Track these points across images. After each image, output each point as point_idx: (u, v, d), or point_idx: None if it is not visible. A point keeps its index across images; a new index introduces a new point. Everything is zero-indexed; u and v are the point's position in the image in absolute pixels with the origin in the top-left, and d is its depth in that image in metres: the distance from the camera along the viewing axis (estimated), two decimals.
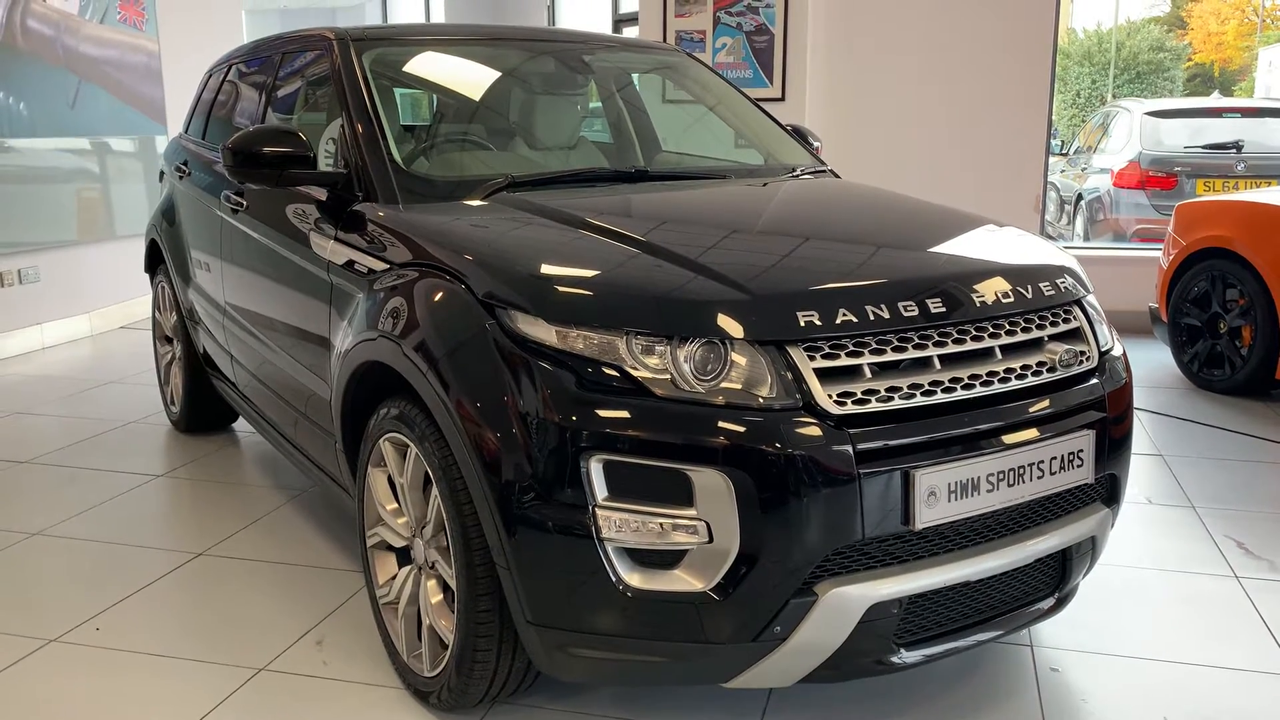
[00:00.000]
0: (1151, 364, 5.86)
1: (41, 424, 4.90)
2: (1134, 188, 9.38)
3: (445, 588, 2.40)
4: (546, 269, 2.29)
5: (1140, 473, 4.12)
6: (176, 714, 2.48)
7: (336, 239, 2.84)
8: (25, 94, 6.38)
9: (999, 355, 2.23)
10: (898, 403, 2.08)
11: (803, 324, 2.06)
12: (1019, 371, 2.25)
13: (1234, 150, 9.17)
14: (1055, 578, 2.39)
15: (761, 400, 2.02)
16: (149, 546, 3.46)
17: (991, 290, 2.28)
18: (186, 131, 4.63)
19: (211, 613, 3.03)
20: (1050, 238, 9.38)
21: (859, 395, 2.05)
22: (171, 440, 4.61)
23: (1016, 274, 2.37)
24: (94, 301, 6.95)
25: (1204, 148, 9.34)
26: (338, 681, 2.62)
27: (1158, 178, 9.25)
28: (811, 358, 2.05)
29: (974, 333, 2.22)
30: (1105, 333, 2.54)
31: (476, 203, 2.80)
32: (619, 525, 2.01)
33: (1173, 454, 4.37)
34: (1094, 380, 2.39)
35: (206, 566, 3.31)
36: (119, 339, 6.82)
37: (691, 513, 1.98)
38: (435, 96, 3.64)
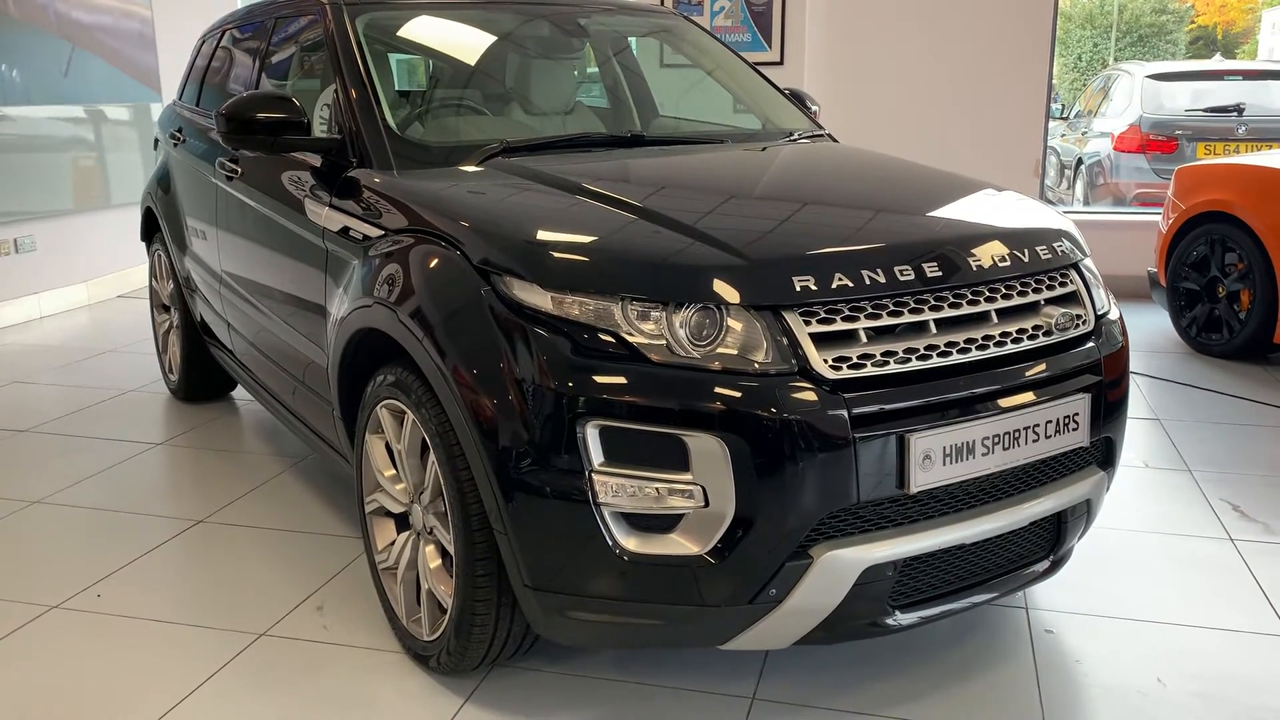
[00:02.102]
0: (1150, 328, 5.86)
1: (40, 393, 4.90)
2: (1134, 152, 9.33)
3: (444, 553, 2.41)
4: (542, 235, 2.28)
5: (1137, 437, 4.13)
6: (178, 679, 2.50)
7: (331, 205, 2.83)
8: (18, 61, 6.33)
9: (995, 319, 2.23)
10: (893, 367, 2.08)
11: (798, 289, 2.06)
12: (1015, 335, 2.25)
13: (1235, 113, 9.11)
14: (1050, 540, 2.40)
15: (757, 365, 2.02)
16: (149, 514, 3.47)
17: (988, 254, 2.27)
18: (181, 98, 4.60)
19: (212, 579, 3.05)
20: (1050, 202, 9.35)
21: (854, 360, 2.05)
22: (170, 408, 4.62)
23: (1013, 238, 2.37)
24: (91, 270, 6.94)
25: (1205, 111, 9.28)
26: (338, 646, 2.64)
27: (1158, 141, 9.20)
28: (807, 323, 2.05)
29: (970, 297, 2.21)
30: (1102, 296, 2.53)
31: (471, 168, 2.79)
32: (615, 490, 2.01)
33: (1170, 418, 4.38)
34: (1090, 344, 2.39)
35: (206, 533, 3.33)
36: (116, 308, 6.82)
37: (687, 477, 1.99)
38: (430, 61, 3.62)
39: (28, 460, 4.01)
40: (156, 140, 4.81)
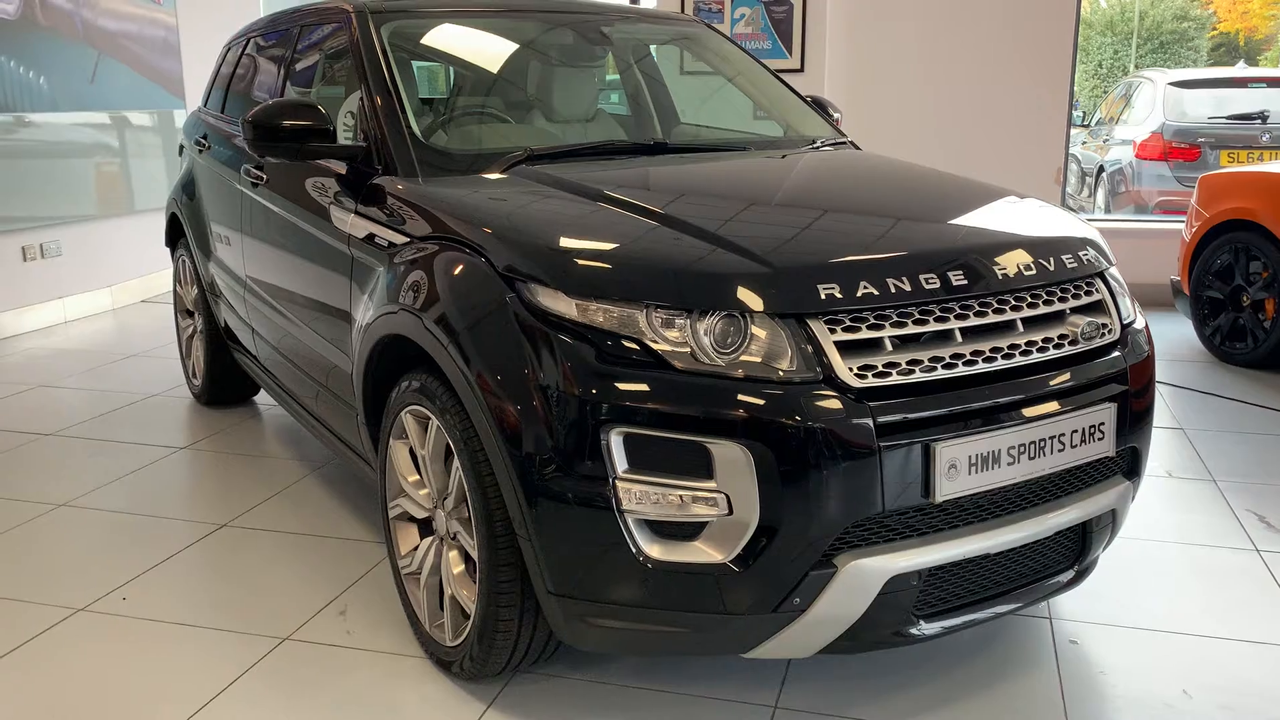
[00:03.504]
0: (1173, 337, 5.82)
1: (65, 397, 4.95)
2: (1157, 159, 9.28)
3: (467, 558, 2.42)
4: (566, 242, 2.29)
5: (1161, 446, 4.10)
6: (202, 682, 2.52)
7: (356, 212, 2.85)
8: (45, 69, 6.39)
9: (1020, 328, 2.22)
10: (918, 375, 2.07)
11: (823, 297, 2.06)
12: (1040, 344, 2.24)
13: (1259, 121, 9.05)
14: (1075, 550, 2.39)
15: (781, 373, 2.02)
16: (173, 518, 3.50)
17: (1013, 262, 2.27)
18: (205, 105, 4.64)
19: (236, 583, 3.07)
20: (1071, 210, 9.30)
21: (879, 368, 2.05)
22: (193, 413, 4.65)
23: (1038, 246, 2.36)
24: (114, 275, 6.99)
25: (1228, 118, 9.23)
26: (361, 651, 2.65)
27: (1181, 149, 9.15)
28: (832, 330, 2.05)
29: (995, 305, 2.21)
30: (1127, 305, 2.52)
31: (495, 175, 2.80)
32: (639, 497, 2.02)
33: (1194, 427, 4.35)
34: (1116, 353, 2.38)
35: (230, 537, 3.35)
36: (140, 312, 6.87)
37: (711, 485, 1.99)
38: (454, 69, 3.63)
39: (53, 463, 4.04)
40: (181, 147, 4.85)
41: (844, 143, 3.49)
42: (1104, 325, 2.36)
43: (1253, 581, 3.01)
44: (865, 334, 2.07)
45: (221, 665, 2.59)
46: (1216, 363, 5.39)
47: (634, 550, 2.04)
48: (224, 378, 4.54)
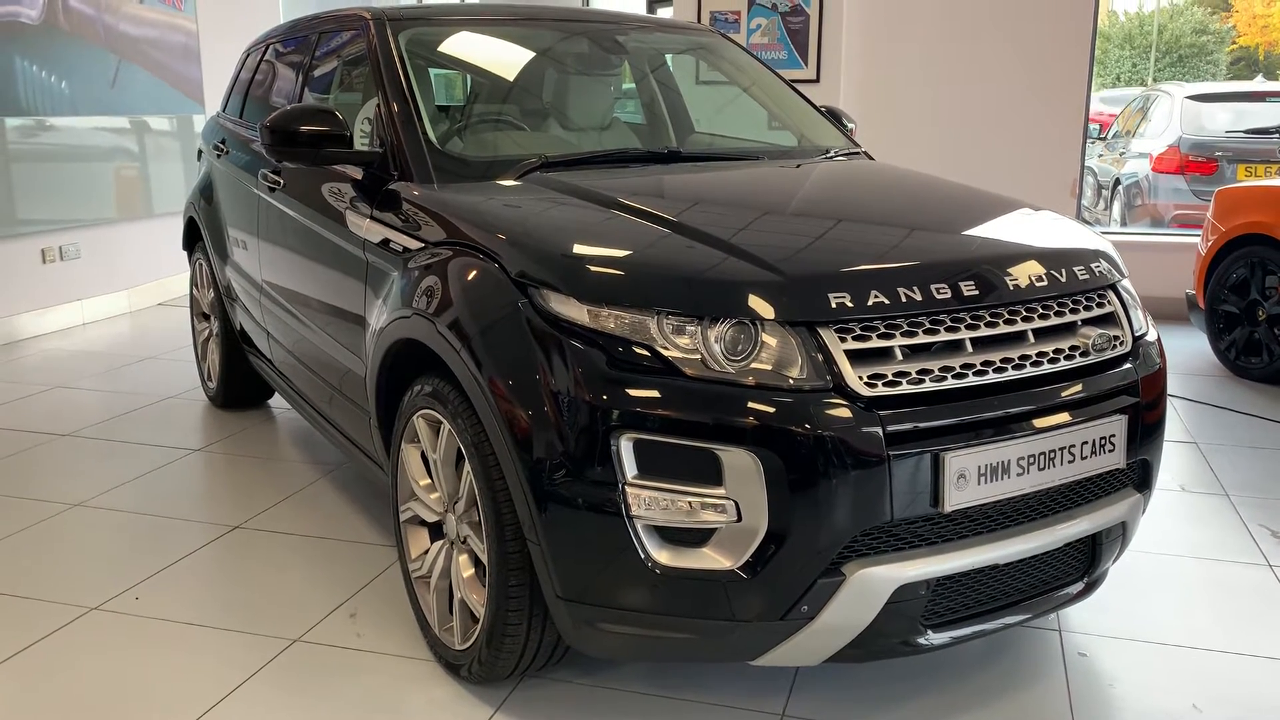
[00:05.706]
0: (1188, 351, 5.80)
1: (82, 398, 4.99)
2: (1173, 173, 9.26)
3: (477, 562, 2.43)
4: (579, 249, 2.30)
5: (1174, 460, 4.09)
6: (213, 682, 2.53)
7: (372, 218, 2.87)
8: (67, 73, 6.46)
9: (1031, 339, 2.23)
10: (929, 385, 2.08)
11: (834, 305, 2.07)
12: (1051, 355, 2.24)
13: (1276, 135, 9.01)
14: (1085, 562, 2.39)
15: (792, 381, 2.02)
16: (186, 519, 3.52)
17: (1025, 273, 2.27)
18: (224, 110, 4.68)
19: (247, 584, 3.08)
20: (1087, 223, 9.28)
21: (890, 377, 2.05)
22: (208, 415, 4.68)
23: (1050, 257, 2.36)
24: (132, 278, 7.05)
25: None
26: (370, 653, 2.66)
27: (1198, 163, 9.13)
28: (843, 339, 2.05)
29: (1007, 316, 2.21)
30: (1140, 318, 2.52)
31: (510, 182, 2.82)
32: (648, 503, 2.03)
33: (1208, 441, 4.33)
34: (1127, 365, 2.38)
35: (243, 539, 3.37)
36: (156, 315, 6.92)
37: (720, 492, 2.00)
38: (470, 77, 3.66)
39: (69, 464, 4.07)
40: (200, 151, 4.90)
41: (858, 153, 3.50)
42: (1115, 337, 2.36)
43: (1264, 596, 2.99)
44: (876, 343, 2.07)
45: (232, 666, 2.60)
46: (1231, 377, 5.37)
47: (642, 556, 2.05)
48: (239, 381, 4.57)
